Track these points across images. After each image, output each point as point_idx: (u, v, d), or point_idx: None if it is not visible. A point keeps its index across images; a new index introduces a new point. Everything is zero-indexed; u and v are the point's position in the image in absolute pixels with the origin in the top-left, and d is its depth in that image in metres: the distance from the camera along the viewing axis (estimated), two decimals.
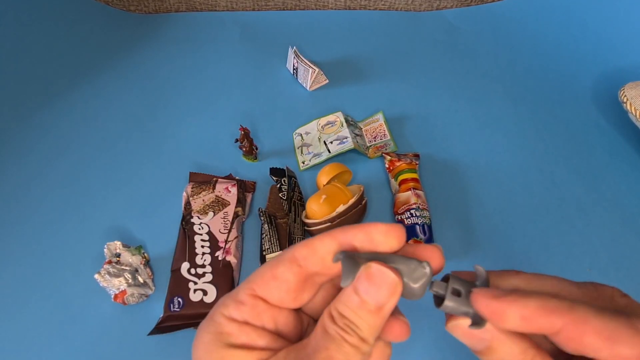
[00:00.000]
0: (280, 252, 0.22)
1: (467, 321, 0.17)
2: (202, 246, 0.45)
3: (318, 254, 0.18)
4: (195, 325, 0.41)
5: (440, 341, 0.41)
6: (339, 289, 0.20)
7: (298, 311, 0.20)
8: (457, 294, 0.17)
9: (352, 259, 0.17)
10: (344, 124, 0.58)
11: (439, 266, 0.18)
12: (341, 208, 0.45)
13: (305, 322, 0.20)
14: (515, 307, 0.16)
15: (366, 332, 0.17)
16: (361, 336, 0.17)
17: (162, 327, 0.40)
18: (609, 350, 0.15)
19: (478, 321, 0.17)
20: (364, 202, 0.48)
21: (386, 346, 0.19)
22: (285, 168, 0.53)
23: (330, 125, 0.59)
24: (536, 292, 0.17)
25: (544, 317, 0.15)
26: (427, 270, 0.17)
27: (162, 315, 0.41)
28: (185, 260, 0.44)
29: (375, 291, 0.17)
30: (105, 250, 0.44)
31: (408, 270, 0.17)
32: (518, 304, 0.16)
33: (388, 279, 0.17)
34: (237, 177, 0.52)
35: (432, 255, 0.18)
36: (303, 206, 0.50)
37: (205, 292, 0.42)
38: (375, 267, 0.17)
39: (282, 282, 0.18)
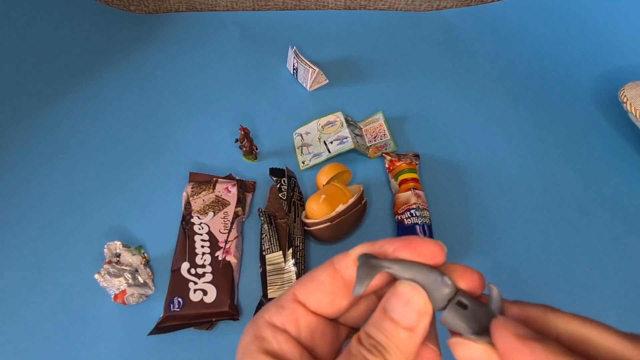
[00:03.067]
0: None
1: (476, 345, 0.16)
2: (202, 246, 0.45)
3: (350, 258, 0.18)
4: (195, 325, 0.41)
5: None
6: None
7: (337, 326, 0.19)
8: (463, 306, 0.16)
9: (369, 265, 0.17)
10: (344, 124, 0.58)
11: (470, 287, 0.17)
12: (341, 208, 0.45)
13: (343, 338, 0.20)
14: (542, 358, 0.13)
15: (395, 354, 0.16)
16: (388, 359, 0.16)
17: (162, 327, 0.40)
18: None
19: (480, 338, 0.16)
20: (363, 201, 0.48)
21: None
22: (285, 168, 0.53)
23: (330, 125, 0.59)
24: (573, 340, 0.15)
25: None
26: (450, 284, 0.16)
27: (162, 315, 0.41)
28: (185, 260, 0.44)
29: (405, 310, 0.16)
30: (105, 250, 0.44)
31: (429, 284, 0.16)
32: (546, 355, 0.13)
33: (418, 297, 0.16)
34: (237, 177, 0.52)
35: (464, 275, 0.17)
36: (303, 206, 0.50)
37: (205, 292, 0.42)
38: (403, 285, 0.16)
39: (318, 283, 0.18)
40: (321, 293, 0.18)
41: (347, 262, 0.18)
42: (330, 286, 0.18)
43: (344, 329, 0.20)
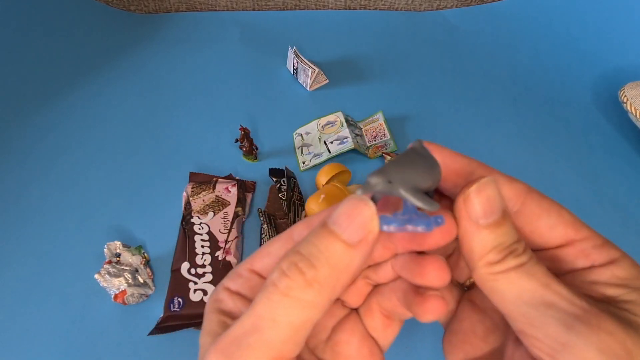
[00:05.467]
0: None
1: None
2: (202, 246, 0.45)
3: (311, 227, 0.17)
4: (196, 325, 0.41)
5: None
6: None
7: None
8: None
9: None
10: (344, 124, 0.58)
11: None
12: None
13: None
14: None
15: (323, 270, 0.13)
16: (310, 277, 0.13)
17: (162, 327, 0.40)
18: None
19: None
20: None
21: (389, 326, 0.18)
22: (284, 168, 0.53)
23: (330, 125, 0.59)
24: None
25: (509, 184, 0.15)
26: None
27: (162, 315, 0.41)
28: (185, 260, 0.44)
29: (347, 222, 0.14)
30: (105, 250, 0.44)
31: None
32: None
33: (366, 210, 0.14)
34: (237, 177, 0.52)
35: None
36: (303, 206, 0.50)
37: (205, 292, 0.42)
38: (351, 197, 0.14)
39: (275, 258, 0.17)
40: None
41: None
42: None
43: None
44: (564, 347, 0.13)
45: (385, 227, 0.14)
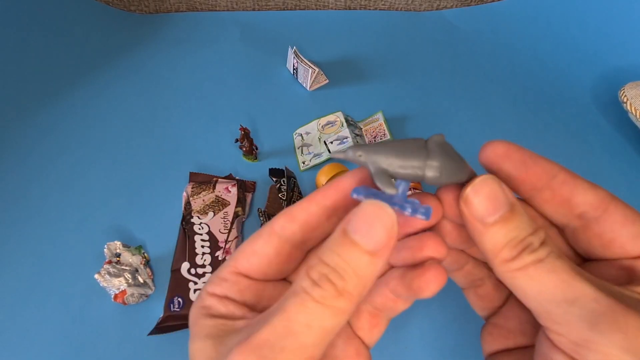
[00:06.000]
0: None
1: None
2: (202, 246, 0.45)
3: (297, 222, 0.17)
4: None
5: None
6: None
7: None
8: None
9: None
10: (344, 124, 0.58)
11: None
12: None
13: None
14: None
15: (351, 281, 0.14)
16: (341, 288, 0.14)
17: (162, 327, 0.40)
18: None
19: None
20: None
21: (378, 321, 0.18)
22: (284, 168, 0.53)
23: (330, 125, 0.59)
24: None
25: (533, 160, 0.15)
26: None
27: (162, 315, 0.41)
28: (185, 260, 0.44)
29: (369, 231, 0.14)
30: (105, 250, 0.44)
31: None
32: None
33: (386, 218, 0.14)
34: (237, 177, 0.52)
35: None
36: None
37: None
38: (369, 204, 0.15)
39: (262, 256, 0.17)
40: (265, 265, 0.17)
41: (294, 228, 0.17)
42: (275, 257, 0.17)
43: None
44: (587, 344, 0.13)
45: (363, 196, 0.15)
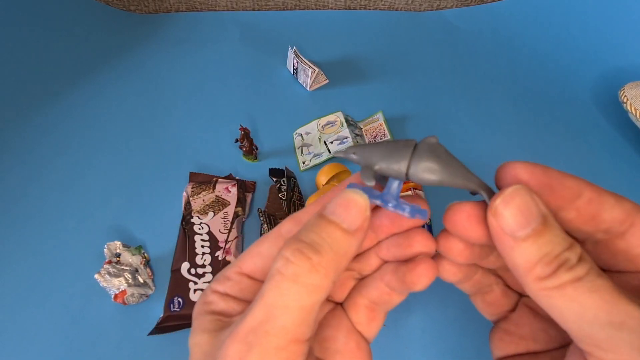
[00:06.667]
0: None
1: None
2: (202, 246, 0.45)
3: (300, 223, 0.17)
4: None
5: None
6: None
7: None
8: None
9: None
10: (344, 124, 0.58)
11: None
12: None
13: None
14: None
15: (327, 255, 0.14)
16: (316, 262, 0.14)
17: (162, 327, 0.40)
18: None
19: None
20: None
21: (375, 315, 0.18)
22: (284, 168, 0.53)
23: (330, 125, 0.59)
24: None
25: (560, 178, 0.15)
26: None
27: (162, 315, 0.41)
28: (185, 260, 0.44)
29: (344, 212, 0.15)
30: (105, 250, 0.44)
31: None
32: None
33: (360, 200, 0.15)
34: (237, 177, 0.52)
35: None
36: (303, 206, 0.50)
37: None
38: (346, 190, 0.15)
39: (266, 258, 0.17)
40: (268, 267, 0.17)
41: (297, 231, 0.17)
42: None
43: None
44: None
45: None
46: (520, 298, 0.20)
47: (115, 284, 0.42)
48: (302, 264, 0.14)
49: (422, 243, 0.17)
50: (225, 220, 0.47)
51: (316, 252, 0.14)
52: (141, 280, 0.44)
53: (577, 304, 0.13)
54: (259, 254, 0.18)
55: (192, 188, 0.50)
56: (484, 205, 0.16)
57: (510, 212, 0.14)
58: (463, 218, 0.16)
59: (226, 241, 0.46)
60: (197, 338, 0.16)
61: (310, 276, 0.14)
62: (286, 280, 0.14)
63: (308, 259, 0.14)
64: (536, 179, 0.15)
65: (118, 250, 0.45)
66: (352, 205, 0.15)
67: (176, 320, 0.41)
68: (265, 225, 0.47)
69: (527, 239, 0.14)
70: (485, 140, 0.59)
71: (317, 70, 0.63)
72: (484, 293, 0.20)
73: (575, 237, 0.16)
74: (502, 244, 0.14)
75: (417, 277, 0.16)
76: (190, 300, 0.41)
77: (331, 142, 0.56)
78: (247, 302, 0.17)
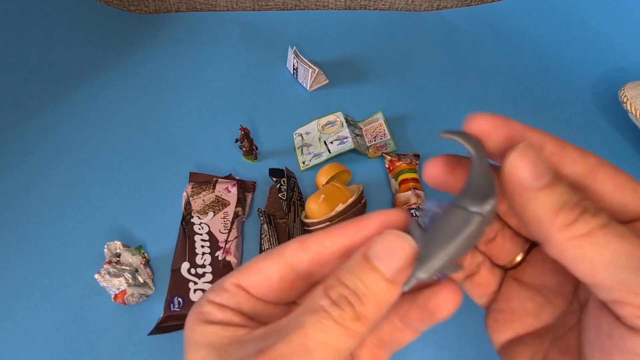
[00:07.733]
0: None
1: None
2: (202, 246, 0.45)
3: (309, 252, 0.17)
4: None
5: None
6: None
7: (290, 305, 0.18)
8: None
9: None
10: (344, 124, 0.58)
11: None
12: (340, 207, 0.45)
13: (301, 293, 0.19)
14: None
15: (370, 306, 0.14)
16: (359, 311, 0.14)
17: (162, 327, 0.40)
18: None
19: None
20: (363, 201, 0.48)
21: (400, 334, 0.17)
22: (284, 168, 0.53)
23: (330, 125, 0.59)
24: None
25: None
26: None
27: (162, 315, 0.41)
28: (185, 260, 0.44)
29: (390, 259, 0.14)
30: (105, 250, 0.44)
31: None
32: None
33: (408, 247, 0.15)
34: (237, 177, 0.52)
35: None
36: (303, 206, 0.50)
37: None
38: (391, 233, 0.15)
39: (264, 277, 0.17)
40: (266, 287, 0.17)
41: (304, 258, 0.16)
42: (277, 282, 0.17)
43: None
44: None
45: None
46: (506, 273, 0.20)
47: (115, 284, 0.42)
48: (347, 310, 0.14)
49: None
50: (225, 220, 0.47)
51: (360, 303, 0.14)
52: (141, 280, 0.44)
53: (609, 250, 0.13)
54: (258, 271, 0.17)
55: (192, 188, 0.50)
56: (459, 158, 0.16)
57: (526, 164, 0.14)
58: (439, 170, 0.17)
59: (226, 241, 0.46)
60: (201, 353, 0.15)
61: (353, 323, 0.14)
62: (331, 320, 0.14)
63: (352, 307, 0.14)
64: (498, 131, 0.16)
65: (118, 250, 0.45)
66: (398, 251, 0.15)
67: (176, 320, 0.41)
68: (265, 225, 0.47)
69: (544, 189, 0.14)
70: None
71: (317, 70, 0.63)
72: (472, 275, 0.20)
73: None
74: (521, 196, 0.14)
75: (442, 300, 0.16)
76: (190, 300, 0.41)
77: (331, 142, 0.56)
78: (245, 315, 0.17)
